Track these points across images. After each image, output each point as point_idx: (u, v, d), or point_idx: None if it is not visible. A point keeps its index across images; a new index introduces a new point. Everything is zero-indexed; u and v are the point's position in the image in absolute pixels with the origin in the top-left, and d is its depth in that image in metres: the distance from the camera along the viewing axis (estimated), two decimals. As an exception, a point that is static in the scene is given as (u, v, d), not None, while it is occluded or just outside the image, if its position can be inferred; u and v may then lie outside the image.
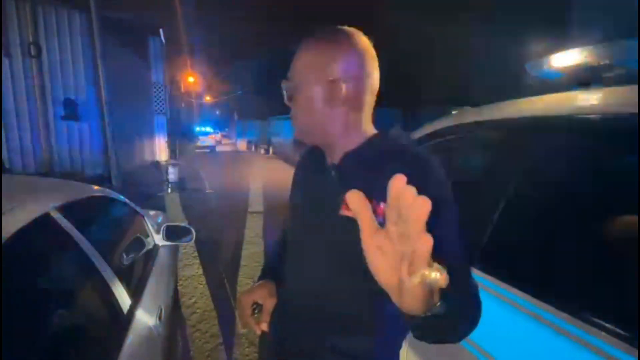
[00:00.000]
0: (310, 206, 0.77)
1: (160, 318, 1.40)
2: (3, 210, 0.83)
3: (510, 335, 0.77)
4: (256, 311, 0.84)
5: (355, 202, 0.37)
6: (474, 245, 0.97)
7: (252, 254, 4.00)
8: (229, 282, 3.37)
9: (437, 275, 0.35)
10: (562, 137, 0.87)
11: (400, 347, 0.76)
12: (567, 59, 0.95)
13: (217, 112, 48.34)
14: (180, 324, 2.54)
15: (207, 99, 39.82)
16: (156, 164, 11.55)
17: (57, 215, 1.04)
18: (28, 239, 0.87)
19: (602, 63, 0.86)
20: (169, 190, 8.01)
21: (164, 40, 14.31)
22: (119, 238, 1.59)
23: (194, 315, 2.74)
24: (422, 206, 0.33)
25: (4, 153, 6.35)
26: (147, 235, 1.84)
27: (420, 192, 0.39)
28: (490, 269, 0.88)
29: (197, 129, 28.63)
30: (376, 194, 0.54)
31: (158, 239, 1.89)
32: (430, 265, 0.35)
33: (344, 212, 0.62)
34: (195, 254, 4.04)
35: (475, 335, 0.82)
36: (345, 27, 0.69)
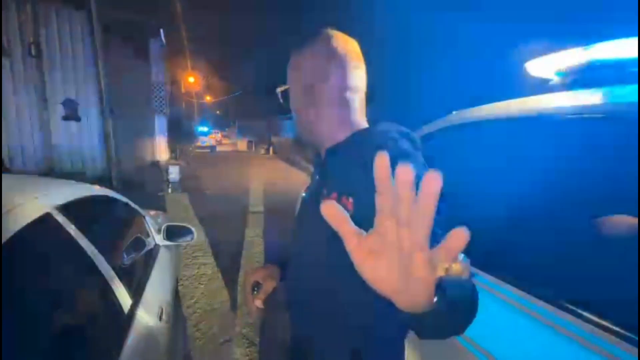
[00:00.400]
0: (306, 201, 0.81)
1: (161, 318, 1.40)
2: (3, 210, 0.83)
3: (511, 334, 0.77)
4: (255, 289, 0.91)
5: (331, 215, 0.34)
6: (473, 243, 0.97)
7: (253, 254, 4.00)
8: (230, 282, 3.38)
9: (459, 267, 0.31)
10: (561, 136, 0.87)
11: (402, 343, 0.76)
12: (566, 58, 0.95)
13: (218, 112, 48.37)
14: (181, 323, 2.54)
15: (208, 98, 39.83)
16: (156, 164, 11.56)
17: (58, 215, 1.05)
18: (29, 238, 0.87)
19: (600, 63, 0.86)
20: (170, 190, 8.02)
21: (164, 41, 14.32)
22: (119, 238, 1.59)
23: (195, 315, 2.74)
24: (432, 183, 0.29)
25: (4, 152, 6.36)
26: (148, 235, 1.84)
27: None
28: (489, 268, 0.88)
29: (198, 129, 28.63)
30: (351, 186, 0.63)
31: (158, 239, 1.90)
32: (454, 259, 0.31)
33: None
34: (196, 253, 4.05)
35: (475, 334, 0.83)
36: (325, 34, 0.74)
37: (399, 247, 0.33)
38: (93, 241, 1.16)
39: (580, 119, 0.81)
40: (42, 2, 6.51)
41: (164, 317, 1.46)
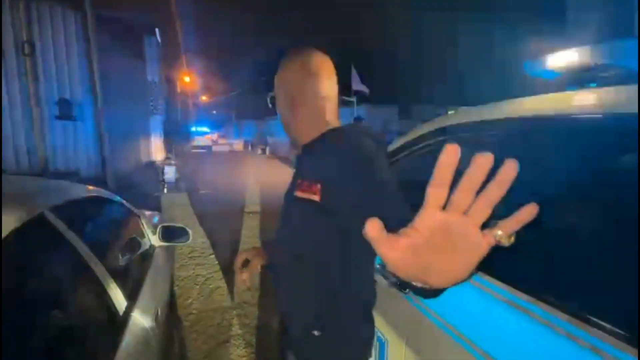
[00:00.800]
0: (287, 192, 0.96)
1: (156, 319, 1.39)
2: (-4, 211, 0.82)
3: (509, 336, 0.77)
4: (245, 267, 1.10)
5: (371, 231, 0.35)
6: None
7: (249, 254, 3.98)
8: (226, 282, 3.36)
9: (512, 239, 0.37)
10: (559, 137, 0.87)
11: (371, 307, 0.97)
12: (564, 58, 0.95)
13: (214, 112, 48.21)
14: (177, 325, 2.52)
15: (204, 98, 39.67)
16: (152, 164, 11.49)
17: (51, 216, 1.03)
18: (22, 240, 0.86)
19: (599, 63, 0.86)
20: (165, 191, 7.97)
21: (159, 40, 14.24)
22: (114, 239, 1.58)
23: (191, 316, 2.73)
24: (510, 171, 0.33)
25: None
26: (143, 236, 1.82)
27: (348, 166, 0.67)
28: (487, 268, 0.88)
29: (194, 128, 28.48)
30: (316, 174, 0.81)
31: (154, 240, 1.88)
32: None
33: (297, 194, 0.85)
34: (192, 254, 4.03)
35: (475, 335, 0.82)
36: (303, 53, 0.92)
37: (458, 232, 0.35)
38: (87, 242, 1.15)
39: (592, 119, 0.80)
40: (36, 0, 6.44)
41: (159, 318, 1.45)
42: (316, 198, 0.78)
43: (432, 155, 1.41)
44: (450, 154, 0.33)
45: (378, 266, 1.33)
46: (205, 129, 31.63)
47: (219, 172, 12.09)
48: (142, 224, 1.91)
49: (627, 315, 0.58)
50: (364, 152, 0.78)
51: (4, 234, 0.78)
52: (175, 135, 17.23)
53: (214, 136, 29.85)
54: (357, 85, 13.17)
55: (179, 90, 22.94)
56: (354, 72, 13.00)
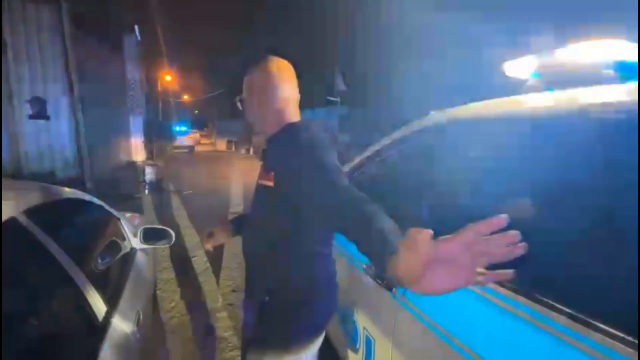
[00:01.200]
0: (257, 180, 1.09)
1: (138, 324, 1.35)
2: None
3: (502, 337, 0.77)
4: (210, 239, 1.29)
5: (419, 241, 0.50)
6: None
7: (233, 254, 3.93)
8: (209, 284, 3.31)
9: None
10: (543, 136, 0.89)
11: (333, 277, 1.11)
12: (543, 59, 0.97)
13: (196, 111, 47.39)
14: (159, 329, 2.47)
15: (185, 97, 38.95)
16: (132, 165, 11.21)
17: (24, 220, 0.98)
18: (-8, 245, 0.81)
19: (579, 64, 0.88)
20: (146, 192, 7.79)
21: (139, 37, 13.90)
22: (93, 242, 1.52)
23: (173, 320, 2.67)
24: (512, 252, 0.47)
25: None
26: (124, 239, 1.77)
27: (299, 158, 0.82)
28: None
29: (176, 128, 27.90)
30: (274, 163, 0.99)
31: (135, 242, 1.83)
32: None
33: (260, 180, 1.02)
34: (173, 256, 3.94)
35: (466, 337, 0.83)
36: (264, 59, 1.05)
37: (459, 264, 0.48)
38: (64, 246, 1.11)
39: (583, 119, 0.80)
40: (7, -6, 6.17)
41: (141, 323, 1.41)
42: (270, 184, 0.95)
43: (417, 153, 1.42)
44: (499, 223, 0.46)
45: (365, 266, 1.33)
46: (186, 129, 31.03)
47: (202, 173, 11.90)
48: (122, 226, 1.86)
49: (625, 316, 0.58)
50: (312, 142, 0.91)
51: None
52: (157, 134, 16.86)
53: (196, 136, 29.34)
54: (340, 85, 13.25)
55: (160, 89, 22.44)
56: (337, 74, 13.08)
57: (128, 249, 1.72)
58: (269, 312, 1.04)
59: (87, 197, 1.66)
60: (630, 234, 0.61)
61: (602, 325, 0.60)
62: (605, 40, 0.92)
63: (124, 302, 1.33)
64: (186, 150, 23.45)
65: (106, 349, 1.03)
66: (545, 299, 0.71)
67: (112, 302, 1.24)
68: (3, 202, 0.95)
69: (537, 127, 0.87)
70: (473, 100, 1.21)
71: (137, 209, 5.73)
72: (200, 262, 3.86)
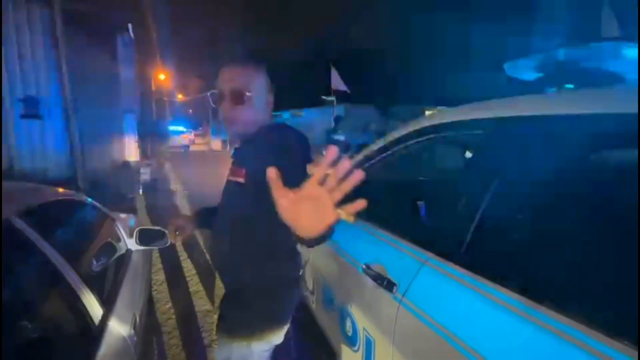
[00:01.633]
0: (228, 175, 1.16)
1: (134, 327, 1.33)
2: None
3: (504, 338, 0.76)
4: (177, 232, 1.28)
5: (271, 179, 0.57)
6: (469, 243, 0.98)
7: (230, 255, 3.91)
8: (206, 284, 3.28)
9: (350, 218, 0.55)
10: (541, 137, 0.89)
11: (298, 268, 1.19)
12: (544, 59, 0.97)
13: (190, 111, 47.10)
14: (156, 331, 2.44)
15: (180, 97, 38.68)
16: (127, 164, 11.11)
17: (18, 222, 0.96)
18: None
19: (578, 64, 0.88)
20: (141, 192, 7.72)
21: (132, 36, 13.77)
22: (88, 244, 1.50)
23: (170, 321, 2.64)
24: (357, 177, 0.52)
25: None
26: (119, 240, 1.75)
27: (268, 158, 0.77)
28: (479, 268, 0.89)
29: (170, 128, 27.70)
30: (246, 161, 1.07)
31: (130, 243, 1.80)
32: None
33: (228, 177, 1.12)
34: (169, 257, 3.91)
35: (466, 335, 0.83)
36: (236, 66, 1.11)
37: (321, 203, 0.55)
38: (58, 248, 1.08)
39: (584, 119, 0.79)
40: (-2, -7, 6.06)
41: (137, 325, 1.39)
42: (242, 180, 1.04)
43: (420, 152, 1.42)
44: (332, 154, 0.52)
45: (364, 266, 1.32)
46: (181, 128, 30.80)
47: (197, 173, 11.83)
48: (118, 227, 1.83)
49: (625, 315, 0.58)
50: (281, 142, 1.01)
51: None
52: (151, 134, 16.72)
53: (191, 135, 29.16)
54: (337, 84, 13.18)
55: (154, 88, 22.25)
56: (333, 71, 13.01)
57: (123, 251, 1.70)
58: (238, 300, 1.12)
59: (80, 197, 1.64)
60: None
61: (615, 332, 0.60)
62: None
63: (120, 304, 1.31)
64: (181, 150, 23.30)
65: (102, 352, 1.01)
66: (565, 307, 0.69)
67: (108, 305, 1.22)
68: (-4, 204, 0.93)
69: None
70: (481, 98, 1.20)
71: (132, 209, 5.68)
72: (196, 263, 3.83)
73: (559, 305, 0.68)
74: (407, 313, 1.01)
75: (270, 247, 1.09)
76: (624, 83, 0.93)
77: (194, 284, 3.32)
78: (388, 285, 1.14)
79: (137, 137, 13.92)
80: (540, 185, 0.80)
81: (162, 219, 5.65)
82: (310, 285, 1.90)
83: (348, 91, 13.21)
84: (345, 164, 0.52)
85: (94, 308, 1.12)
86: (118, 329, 1.18)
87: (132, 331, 1.29)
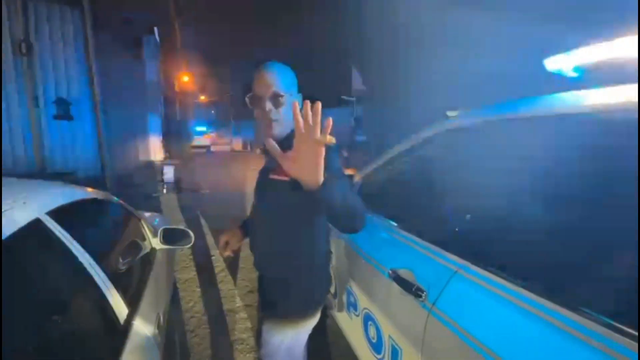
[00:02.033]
0: (261, 177, 1.28)
1: (158, 325, 1.34)
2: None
3: (518, 335, 0.74)
4: (227, 245, 1.43)
5: (271, 148, 0.84)
6: (483, 245, 0.97)
7: (250, 255, 3.94)
8: (227, 283, 3.31)
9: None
10: (564, 134, 0.84)
11: (326, 269, 1.31)
12: (590, 54, 0.90)
13: (213, 112, 48.04)
14: (179, 329, 2.47)
15: (202, 98, 39.50)
16: (151, 164, 11.43)
17: (48, 221, 0.98)
18: (17, 247, 0.81)
19: (628, 59, 0.81)
20: (165, 191, 7.91)
21: (158, 39, 14.16)
22: (114, 242, 1.52)
23: (193, 320, 2.67)
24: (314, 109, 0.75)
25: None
26: (144, 239, 1.77)
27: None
28: (519, 279, 0.84)
29: (193, 128, 28.35)
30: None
31: (155, 243, 1.83)
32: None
33: (271, 176, 1.18)
34: (192, 256, 3.97)
35: (503, 350, 0.78)
36: (264, 66, 1.15)
37: (310, 141, 0.76)
38: (86, 247, 1.10)
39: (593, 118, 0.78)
40: (33, -1, 6.35)
41: (162, 324, 1.40)
42: (286, 178, 1.02)
43: (443, 154, 1.36)
44: (297, 107, 0.77)
45: (390, 271, 1.28)
46: (204, 129, 31.45)
47: (219, 172, 12.02)
48: (143, 227, 1.86)
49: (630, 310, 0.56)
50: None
51: (-3, 241, 0.73)
52: (174, 134, 17.16)
53: (213, 136, 29.75)
54: (357, 85, 13.12)
55: (177, 89, 22.81)
56: (354, 72, 12.95)
57: (148, 250, 1.72)
58: (285, 288, 1.22)
59: (108, 196, 1.67)
60: None
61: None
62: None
63: (144, 303, 1.32)
64: (203, 150, 23.79)
65: (127, 351, 1.02)
66: (579, 307, 0.68)
67: (133, 304, 1.23)
68: (27, 203, 0.95)
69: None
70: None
71: (156, 208, 5.82)
72: (217, 262, 3.87)
73: (610, 320, 0.63)
74: (438, 323, 0.96)
75: (312, 237, 1.21)
76: None
77: (216, 282, 3.35)
78: (416, 291, 1.09)
79: (161, 137, 14.30)
80: (594, 192, 0.74)
81: (184, 217, 5.76)
82: (332, 288, 1.87)
83: (368, 92, 13.12)
84: (313, 110, 0.74)
85: (120, 307, 1.12)
86: (143, 327, 1.19)
87: (157, 330, 1.29)
